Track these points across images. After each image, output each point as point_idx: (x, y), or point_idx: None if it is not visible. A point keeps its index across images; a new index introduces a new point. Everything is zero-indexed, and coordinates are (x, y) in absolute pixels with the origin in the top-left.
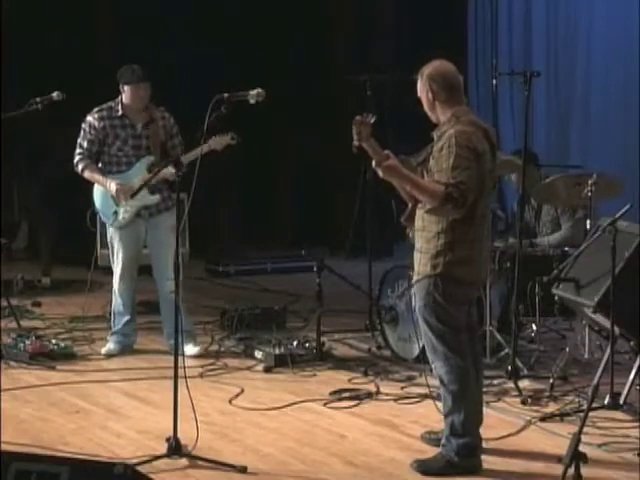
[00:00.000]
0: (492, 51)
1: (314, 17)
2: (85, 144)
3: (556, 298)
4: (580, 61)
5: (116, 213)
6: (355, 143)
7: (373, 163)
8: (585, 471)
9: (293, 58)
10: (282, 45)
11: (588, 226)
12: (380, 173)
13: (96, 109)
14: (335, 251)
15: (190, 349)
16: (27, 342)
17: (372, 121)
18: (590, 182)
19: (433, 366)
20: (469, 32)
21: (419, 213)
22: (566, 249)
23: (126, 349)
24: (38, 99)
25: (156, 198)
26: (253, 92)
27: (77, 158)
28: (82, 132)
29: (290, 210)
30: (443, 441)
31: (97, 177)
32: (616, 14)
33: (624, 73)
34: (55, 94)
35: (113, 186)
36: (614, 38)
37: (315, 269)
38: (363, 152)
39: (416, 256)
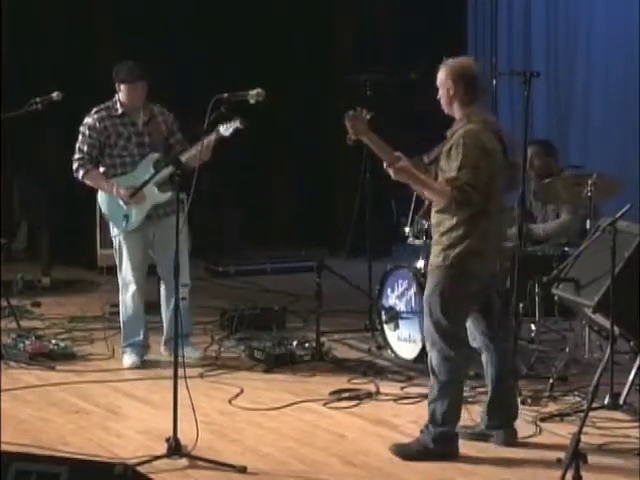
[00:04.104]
0: (492, 51)
1: (314, 17)
2: (85, 148)
3: (556, 298)
4: (580, 61)
5: (127, 217)
6: (351, 137)
7: (384, 164)
8: (585, 471)
9: (293, 58)
10: (282, 45)
11: (588, 226)
12: (392, 174)
13: (94, 110)
14: (335, 251)
15: (190, 352)
16: (27, 342)
17: (368, 117)
18: (590, 182)
19: (429, 355)
20: (469, 32)
21: (434, 210)
22: (566, 249)
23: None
24: (38, 99)
25: (167, 195)
26: (253, 92)
27: (77, 164)
28: (81, 136)
29: (290, 210)
30: (422, 427)
31: (102, 183)
32: (616, 14)
33: (624, 73)
34: (55, 94)
35: (122, 191)
36: (614, 38)
37: (315, 269)
38: (361, 145)
39: (431, 249)
